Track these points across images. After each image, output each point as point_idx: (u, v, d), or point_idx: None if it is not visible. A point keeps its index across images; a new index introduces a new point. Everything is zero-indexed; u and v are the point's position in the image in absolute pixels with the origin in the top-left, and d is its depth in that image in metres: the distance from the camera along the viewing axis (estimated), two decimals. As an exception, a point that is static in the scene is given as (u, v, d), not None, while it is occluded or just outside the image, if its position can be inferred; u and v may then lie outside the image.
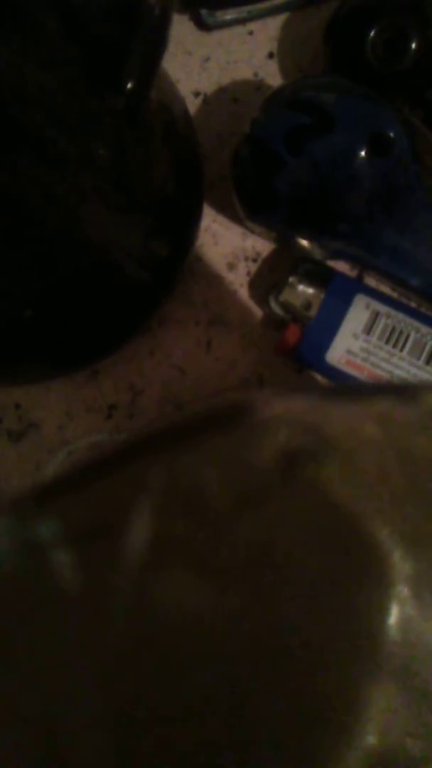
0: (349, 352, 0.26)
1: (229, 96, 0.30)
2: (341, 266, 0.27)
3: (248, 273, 0.29)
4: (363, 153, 0.23)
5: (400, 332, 0.26)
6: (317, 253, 0.26)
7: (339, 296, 0.26)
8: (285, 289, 0.26)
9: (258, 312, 0.29)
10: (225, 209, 0.29)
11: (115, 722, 0.09)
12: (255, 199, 0.25)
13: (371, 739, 0.09)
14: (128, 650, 0.10)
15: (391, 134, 0.23)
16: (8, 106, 0.16)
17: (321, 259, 0.27)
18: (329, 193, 0.24)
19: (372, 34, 0.26)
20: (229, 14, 0.29)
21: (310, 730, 0.09)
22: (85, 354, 0.25)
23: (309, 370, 0.28)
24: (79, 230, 0.19)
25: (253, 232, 0.28)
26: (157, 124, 0.21)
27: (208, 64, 0.30)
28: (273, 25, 0.30)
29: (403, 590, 0.10)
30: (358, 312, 0.26)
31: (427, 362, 0.25)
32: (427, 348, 0.25)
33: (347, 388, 0.15)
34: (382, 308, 0.26)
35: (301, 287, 0.26)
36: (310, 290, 0.26)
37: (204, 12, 0.29)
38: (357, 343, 0.26)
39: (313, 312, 0.26)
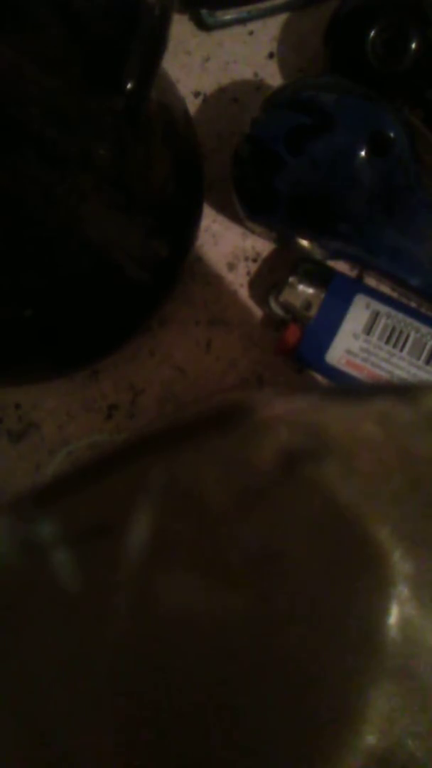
0: (349, 352, 0.26)
1: (229, 96, 0.30)
2: (341, 266, 0.27)
3: (248, 273, 0.29)
4: (363, 153, 0.23)
5: (400, 332, 0.26)
6: (317, 253, 0.26)
7: (339, 296, 0.26)
8: (285, 289, 0.26)
9: (258, 312, 0.29)
10: (225, 209, 0.29)
11: (115, 722, 0.09)
12: (255, 199, 0.25)
13: (371, 739, 0.09)
14: (128, 650, 0.10)
15: (391, 134, 0.23)
16: (8, 106, 0.16)
17: (321, 259, 0.27)
18: (329, 193, 0.24)
19: (372, 34, 0.26)
20: (229, 14, 0.29)
21: (310, 729, 0.09)
22: (85, 354, 0.25)
23: (309, 370, 0.28)
24: (79, 230, 0.19)
25: (253, 232, 0.28)
26: (157, 124, 0.21)
27: (208, 64, 0.30)
28: (273, 25, 0.30)
29: (403, 590, 0.10)
30: (358, 312, 0.26)
31: (427, 362, 0.25)
32: (427, 348, 0.25)
33: (347, 388, 0.15)
34: (382, 308, 0.26)
35: (301, 287, 0.26)
36: (310, 290, 0.26)
37: (204, 12, 0.29)
38: (357, 343, 0.26)
39: (313, 312, 0.26)
